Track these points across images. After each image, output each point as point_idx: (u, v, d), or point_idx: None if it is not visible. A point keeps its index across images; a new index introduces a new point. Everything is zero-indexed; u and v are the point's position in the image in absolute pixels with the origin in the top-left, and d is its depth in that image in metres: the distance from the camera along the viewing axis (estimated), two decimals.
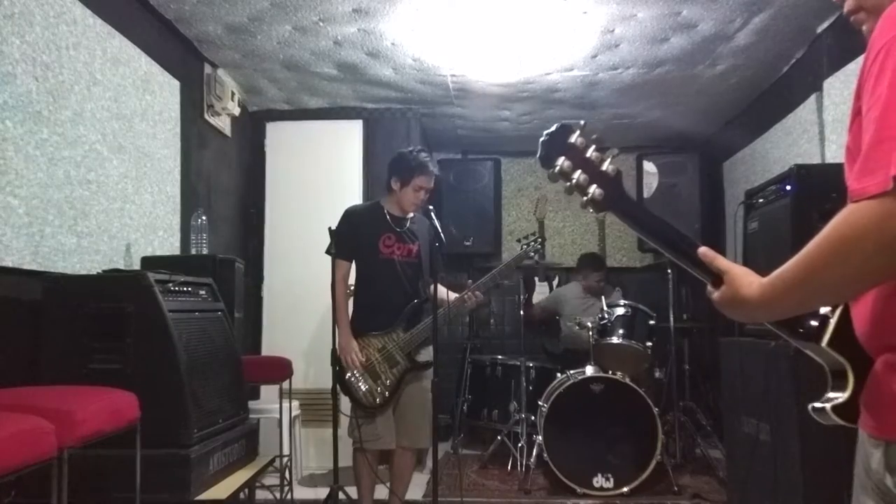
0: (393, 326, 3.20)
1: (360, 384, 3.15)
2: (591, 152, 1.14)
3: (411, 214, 3.33)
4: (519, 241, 3.50)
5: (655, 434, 3.89)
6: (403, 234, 3.29)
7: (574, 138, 1.14)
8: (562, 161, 1.14)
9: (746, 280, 1.08)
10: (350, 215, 3.31)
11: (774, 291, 1.03)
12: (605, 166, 1.15)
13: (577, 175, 1.14)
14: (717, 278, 1.13)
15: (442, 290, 3.24)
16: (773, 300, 1.03)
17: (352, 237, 3.21)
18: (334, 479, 3.14)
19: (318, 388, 4.42)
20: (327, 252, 3.24)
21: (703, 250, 1.15)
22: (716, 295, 1.14)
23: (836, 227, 0.92)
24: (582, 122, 1.15)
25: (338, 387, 3.17)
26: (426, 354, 3.26)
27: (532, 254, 3.46)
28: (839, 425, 1.06)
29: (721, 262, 1.13)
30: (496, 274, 3.34)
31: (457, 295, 3.28)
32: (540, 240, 3.51)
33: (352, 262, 3.26)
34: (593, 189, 1.14)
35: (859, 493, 1.06)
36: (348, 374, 3.15)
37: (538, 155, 1.16)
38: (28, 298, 2.49)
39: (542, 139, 1.15)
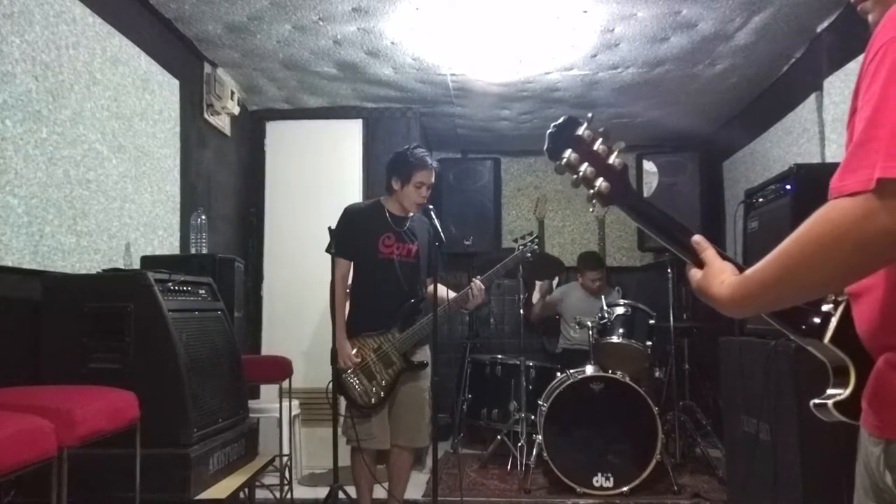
0: (388, 327, 3.18)
1: (355, 384, 3.14)
2: (598, 145, 1.14)
3: (411, 214, 3.29)
4: (516, 240, 3.53)
5: (655, 433, 3.88)
6: (403, 233, 3.24)
7: (581, 131, 1.14)
8: (569, 153, 1.13)
9: (717, 279, 1.09)
10: (350, 214, 3.25)
11: (746, 290, 1.03)
12: (612, 159, 1.14)
13: (584, 168, 1.14)
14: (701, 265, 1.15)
15: (442, 289, 3.22)
16: (744, 299, 1.04)
17: (352, 236, 3.16)
18: (334, 478, 3.14)
19: (318, 388, 4.39)
20: (327, 250, 3.21)
21: (696, 238, 1.16)
22: (692, 281, 1.16)
23: (814, 225, 0.90)
24: (589, 115, 1.15)
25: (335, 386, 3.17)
26: (422, 355, 3.24)
27: (528, 255, 3.48)
28: (840, 423, 1.05)
29: (707, 254, 1.14)
30: (498, 269, 3.36)
31: (455, 294, 3.27)
32: (537, 239, 3.53)
33: (352, 261, 3.21)
34: (600, 182, 1.14)
35: (860, 492, 1.06)
36: (343, 374, 3.14)
37: (545, 147, 1.16)
38: (28, 298, 2.49)
39: (549, 131, 1.15)
